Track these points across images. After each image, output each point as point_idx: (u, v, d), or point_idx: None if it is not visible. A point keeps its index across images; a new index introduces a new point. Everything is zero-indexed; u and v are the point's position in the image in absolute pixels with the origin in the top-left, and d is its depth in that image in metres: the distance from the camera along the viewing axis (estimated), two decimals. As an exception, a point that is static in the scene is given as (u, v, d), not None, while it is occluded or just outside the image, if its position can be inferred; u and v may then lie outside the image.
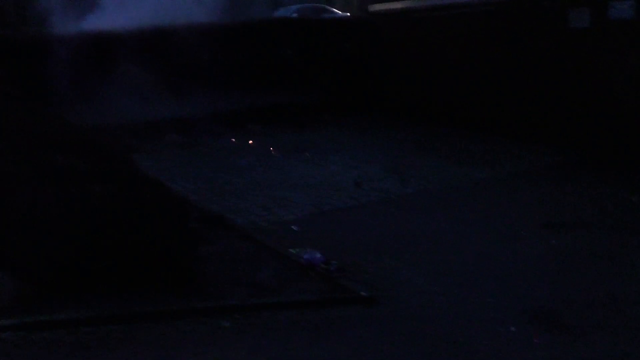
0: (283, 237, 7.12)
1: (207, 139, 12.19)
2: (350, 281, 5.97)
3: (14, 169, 5.05)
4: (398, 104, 13.59)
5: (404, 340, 5.07)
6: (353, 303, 5.67)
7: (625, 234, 6.85)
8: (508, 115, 11.21)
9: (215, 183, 9.41)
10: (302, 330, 5.22)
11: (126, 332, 4.98)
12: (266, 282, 5.88)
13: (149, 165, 10.16)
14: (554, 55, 10.44)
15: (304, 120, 13.36)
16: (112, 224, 5.19)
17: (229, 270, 6.17)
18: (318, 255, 6.33)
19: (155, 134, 12.15)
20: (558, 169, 9.47)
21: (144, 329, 5.04)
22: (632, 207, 7.61)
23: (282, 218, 7.87)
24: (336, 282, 5.95)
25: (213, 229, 7.24)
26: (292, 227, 7.51)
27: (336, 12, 28.05)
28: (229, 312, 5.31)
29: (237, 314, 5.29)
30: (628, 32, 9.32)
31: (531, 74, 10.79)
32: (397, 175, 9.41)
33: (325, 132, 12.61)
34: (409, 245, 6.90)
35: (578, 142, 10.09)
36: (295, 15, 25.00)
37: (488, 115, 11.55)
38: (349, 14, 25.75)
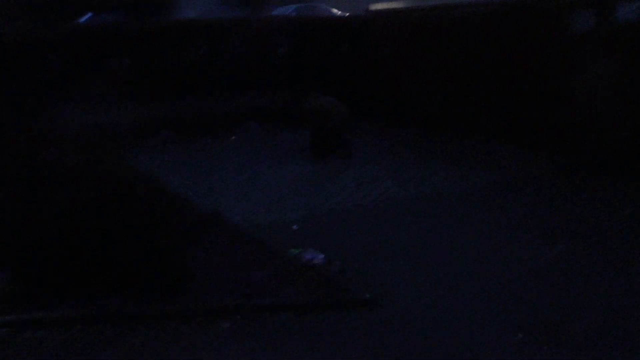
0: (281, 237, 6.97)
1: (203, 137, 12.08)
2: (352, 283, 5.83)
3: (6, 165, 4.89)
4: (397, 105, 13.45)
5: (404, 346, 4.93)
6: (353, 306, 5.52)
7: (626, 245, 6.72)
8: (509, 119, 11.08)
9: (211, 181, 9.28)
10: (302, 332, 5.08)
11: (120, 332, 4.84)
12: (265, 283, 5.73)
13: (142, 162, 10.04)
14: (556, 58, 10.33)
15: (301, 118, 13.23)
16: (105, 221, 5.04)
17: (227, 270, 6.01)
18: (320, 256, 6.19)
19: (148, 132, 12.02)
20: (558, 175, 9.34)
21: (138, 329, 4.89)
22: (633, 217, 7.48)
23: (280, 218, 7.73)
24: (337, 284, 5.80)
25: (210, 228, 7.08)
26: (293, 226, 7.36)
27: (335, 12, 28.01)
28: (227, 313, 5.16)
29: (235, 315, 5.15)
30: (635, 35, 9.20)
31: (532, 78, 10.68)
32: (397, 177, 9.28)
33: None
34: (408, 249, 6.76)
35: (580, 148, 9.96)
36: (293, 13, 24.94)
37: (489, 119, 11.43)
38: (348, 13, 25.67)
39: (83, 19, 23.40)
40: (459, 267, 6.28)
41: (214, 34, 14.40)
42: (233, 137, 12.02)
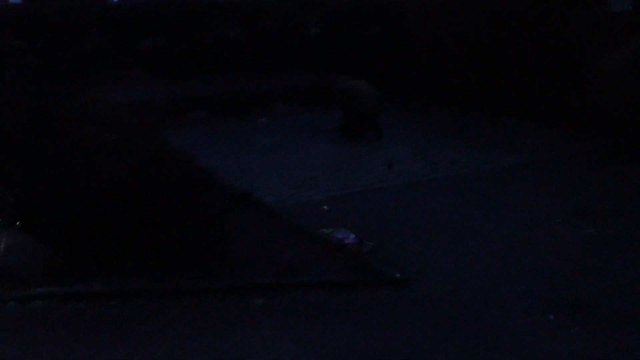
0: (312, 217, 7.02)
1: (233, 118, 12.14)
2: (383, 263, 5.87)
3: (46, 143, 4.99)
4: (427, 87, 13.37)
5: (435, 325, 4.97)
6: (384, 285, 5.56)
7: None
8: (539, 101, 10.97)
9: (242, 161, 9.34)
10: (332, 310, 5.15)
11: (155, 308, 4.95)
12: (296, 262, 5.80)
13: (174, 142, 10.14)
14: (589, 39, 10.16)
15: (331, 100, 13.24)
16: (141, 198, 5.12)
17: (258, 249, 6.09)
18: (352, 235, 6.23)
19: (180, 112, 12.11)
20: (589, 155, 9.25)
21: (172, 304, 5.00)
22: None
23: (310, 198, 7.78)
24: (367, 263, 5.84)
25: (241, 208, 7.15)
26: (324, 207, 7.40)
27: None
28: (259, 290, 5.25)
29: (267, 293, 5.23)
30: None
31: (564, 59, 10.53)
32: (426, 158, 9.26)
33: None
34: (439, 230, 6.77)
35: (610, 129, 9.83)
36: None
37: (519, 100, 11.32)
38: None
39: None
40: (490, 247, 6.28)
41: (247, 14, 14.39)
42: (263, 119, 12.06)
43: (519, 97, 11.25)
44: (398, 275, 5.62)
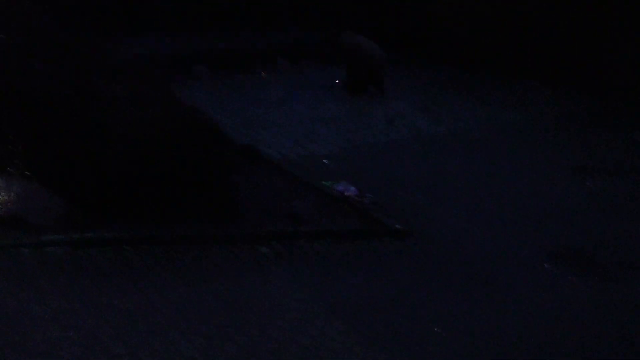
0: (315, 170, 7.17)
1: (235, 72, 12.14)
2: (384, 215, 6.05)
3: (62, 93, 5.10)
4: (432, 43, 13.37)
5: (437, 274, 5.17)
6: (386, 236, 5.76)
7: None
8: (542, 59, 11.03)
9: (246, 116, 9.42)
10: (337, 259, 5.34)
11: (167, 254, 5.12)
12: (301, 213, 5.96)
13: (179, 96, 10.21)
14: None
15: (333, 55, 13.24)
16: (154, 148, 5.25)
17: (264, 200, 6.24)
18: (352, 187, 6.39)
19: (181, 66, 12.10)
20: (592, 113, 9.38)
21: (184, 251, 5.17)
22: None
23: (313, 152, 7.90)
24: (370, 215, 6.03)
25: (246, 161, 7.28)
26: (324, 160, 7.54)
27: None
28: (267, 239, 5.43)
29: (274, 241, 5.41)
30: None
31: (568, 20, 10.57)
32: (430, 114, 9.37)
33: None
34: (441, 183, 6.93)
35: (615, 88, 9.92)
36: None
37: (522, 58, 11.36)
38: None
39: None
40: (491, 200, 6.45)
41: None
42: (266, 74, 12.10)
43: (526, 55, 11.29)
44: (398, 226, 5.81)
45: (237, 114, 9.48)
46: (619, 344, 4.46)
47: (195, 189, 5.33)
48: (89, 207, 5.21)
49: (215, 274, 5.00)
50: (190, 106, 6.03)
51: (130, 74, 5.73)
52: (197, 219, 5.39)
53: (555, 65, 10.77)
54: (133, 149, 5.07)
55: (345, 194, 6.36)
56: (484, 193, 6.66)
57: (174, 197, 5.27)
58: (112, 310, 4.37)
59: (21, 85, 5.02)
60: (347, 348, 4.15)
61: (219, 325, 4.26)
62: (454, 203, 6.43)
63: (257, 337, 4.16)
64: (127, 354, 3.90)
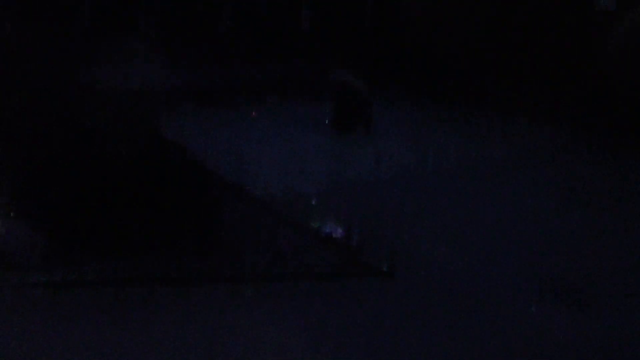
0: (302, 208, 7.15)
1: (225, 108, 12.20)
2: (369, 254, 6.01)
3: (43, 127, 5.08)
4: (418, 78, 13.51)
5: (423, 312, 5.12)
6: (372, 275, 5.73)
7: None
8: (528, 94, 11.15)
9: (233, 152, 9.41)
10: (321, 299, 5.28)
11: (147, 294, 5.07)
12: (286, 252, 5.94)
13: (166, 131, 10.20)
14: (577, 36, 10.36)
15: (323, 92, 13.33)
16: (136, 185, 5.23)
17: (249, 238, 6.22)
18: (338, 226, 6.37)
19: (171, 101, 12.15)
20: (579, 147, 9.44)
21: (165, 291, 5.12)
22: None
23: (300, 189, 7.88)
24: (355, 254, 6.00)
25: (232, 198, 7.28)
26: (312, 199, 7.53)
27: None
28: (250, 279, 5.38)
29: (257, 281, 5.36)
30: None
31: (553, 55, 10.72)
32: (416, 151, 9.40)
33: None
34: (427, 221, 6.92)
35: (599, 123, 10.04)
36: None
37: (508, 93, 11.50)
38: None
39: None
40: (480, 236, 6.44)
41: (236, 3, 14.43)
42: (254, 110, 12.14)
43: (512, 91, 11.42)
44: (384, 265, 5.77)
45: (225, 150, 9.48)
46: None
47: (177, 227, 5.29)
48: (72, 245, 5.16)
49: (197, 313, 4.94)
50: (175, 142, 6.02)
51: (115, 109, 5.71)
52: (180, 256, 5.35)
53: (544, 100, 10.89)
54: (115, 185, 5.03)
55: (332, 234, 6.34)
56: (471, 230, 6.65)
57: (156, 234, 5.22)
58: (93, 351, 4.30)
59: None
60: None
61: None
62: (440, 241, 6.40)
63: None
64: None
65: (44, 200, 5.08)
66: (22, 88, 5.16)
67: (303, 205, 7.30)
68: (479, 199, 7.54)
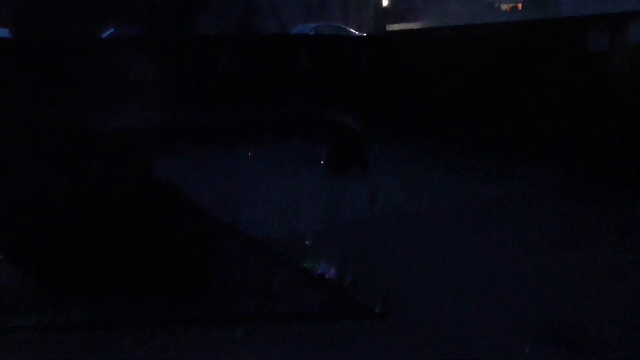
0: (295, 249, 7.12)
1: (220, 147, 12.27)
2: (363, 295, 5.95)
3: (33, 168, 5.07)
4: (411, 120, 13.64)
5: (416, 355, 5.05)
6: (365, 317, 5.65)
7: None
8: (522, 134, 11.23)
9: (228, 192, 9.44)
10: (313, 341, 5.22)
11: (139, 336, 5.00)
12: (278, 293, 5.89)
13: (160, 171, 10.22)
14: (570, 76, 10.47)
15: (318, 133, 13.42)
16: (128, 225, 5.20)
17: (241, 279, 6.18)
18: (332, 269, 6.33)
19: (167, 141, 12.23)
20: (572, 189, 9.45)
21: (156, 333, 5.06)
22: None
23: (294, 229, 7.88)
24: (348, 295, 5.94)
25: (224, 238, 7.25)
26: (305, 239, 7.51)
27: (353, 32, 28.29)
28: (241, 320, 5.32)
29: (249, 323, 5.30)
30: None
31: (547, 95, 10.82)
32: (411, 190, 9.41)
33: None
34: (421, 262, 6.88)
35: (592, 164, 10.10)
36: (312, 32, 25.22)
37: (503, 134, 11.58)
38: (365, 34, 25.95)
39: (106, 34, 23.82)
40: (473, 278, 6.39)
41: (234, 49, 14.67)
42: (250, 153, 12.20)
43: (506, 131, 11.51)
44: (378, 307, 5.71)
45: (220, 190, 9.50)
46: None
47: (168, 268, 5.25)
48: (60, 287, 5.11)
49: (189, 356, 4.87)
50: (168, 182, 6.00)
51: (107, 148, 5.72)
52: (171, 298, 5.30)
53: (535, 141, 10.96)
54: (106, 225, 5.00)
55: (325, 274, 6.30)
56: (467, 270, 6.61)
57: (147, 275, 5.18)
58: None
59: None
60: None
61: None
62: (434, 282, 6.35)
63: None
64: None
65: (32, 241, 5.04)
66: (10, 128, 5.17)
67: (296, 245, 7.29)
68: (473, 239, 7.51)
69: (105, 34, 23.69)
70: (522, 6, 56.05)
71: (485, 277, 6.45)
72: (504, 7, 57.49)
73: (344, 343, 5.21)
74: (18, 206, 5.08)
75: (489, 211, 8.52)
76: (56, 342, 4.89)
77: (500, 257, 6.94)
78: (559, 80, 10.63)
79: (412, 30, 14.14)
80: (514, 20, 12.05)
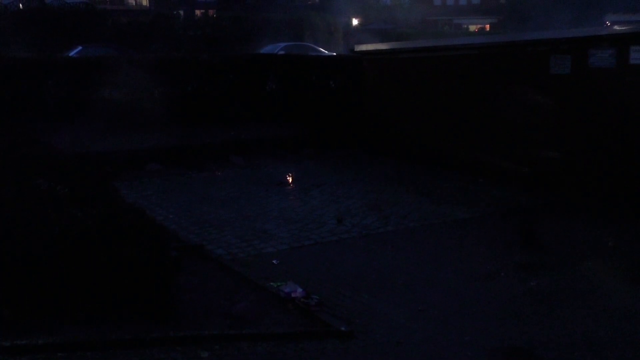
0: (262, 270, 7.14)
1: (188, 170, 12.24)
2: (329, 315, 5.99)
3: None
4: (379, 140, 13.76)
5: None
6: (331, 337, 5.67)
7: (602, 277, 6.94)
8: (487, 155, 11.38)
9: (195, 213, 9.42)
10: (279, 362, 5.22)
11: (103, 359, 4.95)
12: (245, 314, 5.88)
13: (129, 194, 10.20)
14: (534, 99, 10.66)
15: (285, 154, 13.49)
16: (91, 249, 5.17)
17: (208, 300, 6.17)
18: (299, 289, 6.35)
19: (135, 163, 12.18)
20: (536, 210, 9.60)
21: (120, 356, 5.00)
22: (609, 251, 7.73)
23: (261, 251, 7.89)
24: (315, 316, 5.96)
25: (192, 259, 7.24)
26: (273, 260, 7.52)
27: (322, 52, 28.54)
28: (207, 342, 5.28)
29: (215, 345, 5.26)
30: (608, 80, 9.57)
31: (511, 117, 10.99)
32: (378, 212, 9.47)
33: (306, 167, 12.72)
34: (387, 282, 6.94)
35: (555, 185, 10.28)
36: (282, 52, 25.38)
37: (467, 155, 11.73)
38: (334, 53, 26.19)
39: (73, 52, 23.74)
40: (436, 299, 6.47)
41: (204, 69, 14.71)
42: (218, 173, 12.19)
43: (471, 152, 11.65)
44: (344, 327, 5.74)
45: (188, 212, 9.48)
46: None
47: (134, 290, 5.22)
48: (22, 311, 5.04)
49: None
50: (133, 205, 5.99)
51: (73, 172, 5.69)
52: (135, 321, 5.25)
53: (499, 162, 11.12)
54: (69, 248, 4.96)
55: (292, 295, 6.31)
56: (430, 291, 6.68)
57: (111, 298, 5.14)
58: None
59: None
60: None
61: None
62: (399, 302, 6.41)
63: None
64: None
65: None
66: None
67: (266, 266, 7.30)
68: (440, 260, 7.59)
69: (73, 52, 23.61)
70: (490, 27, 57.53)
71: (447, 296, 6.53)
72: (472, 27, 59.04)
73: (310, 363, 5.23)
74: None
75: (453, 232, 8.61)
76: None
77: (463, 277, 7.03)
78: (522, 102, 10.81)
79: (380, 50, 14.24)
80: (470, 43, 12.26)
